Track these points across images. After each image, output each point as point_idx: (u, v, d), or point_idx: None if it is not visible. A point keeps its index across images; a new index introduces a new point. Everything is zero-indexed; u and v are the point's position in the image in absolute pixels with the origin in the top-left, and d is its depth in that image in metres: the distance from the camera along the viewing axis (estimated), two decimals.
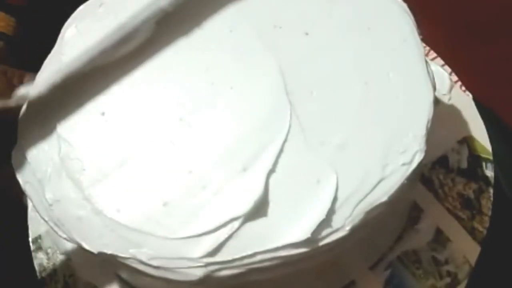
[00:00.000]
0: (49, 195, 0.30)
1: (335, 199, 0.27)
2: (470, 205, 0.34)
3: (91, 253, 0.28)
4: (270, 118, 0.30)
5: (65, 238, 0.29)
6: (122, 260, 0.28)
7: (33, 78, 0.33)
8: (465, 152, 0.36)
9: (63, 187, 0.30)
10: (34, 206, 0.31)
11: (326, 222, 0.27)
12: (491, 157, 0.35)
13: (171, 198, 0.28)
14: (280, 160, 0.29)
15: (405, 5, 0.33)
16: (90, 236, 0.29)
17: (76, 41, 0.34)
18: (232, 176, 0.29)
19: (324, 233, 0.27)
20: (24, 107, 0.32)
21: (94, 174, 0.30)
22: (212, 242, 0.27)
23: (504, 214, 0.36)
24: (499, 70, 0.43)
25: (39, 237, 0.39)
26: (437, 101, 0.37)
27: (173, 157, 0.30)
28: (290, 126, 0.30)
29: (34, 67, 0.34)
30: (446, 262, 0.33)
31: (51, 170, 0.31)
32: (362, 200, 0.27)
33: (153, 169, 0.29)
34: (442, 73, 0.38)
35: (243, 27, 0.33)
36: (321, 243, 0.27)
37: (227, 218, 0.27)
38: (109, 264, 0.31)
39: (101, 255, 0.28)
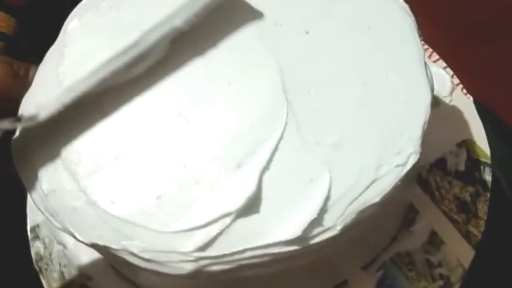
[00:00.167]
0: (45, 185, 0.30)
1: (327, 198, 0.27)
2: (466, 208, 0.34)
3: (85, 243, 0.29)
4: (267, 115, 0.30)
5: (59, 228, 0.30)
6: (114, 252, 0.28)
7: None
8: (463, 155, 0.35)
9: (59, 178, 0.30)
10: (30, 195, 0.31)
11: (317, 221, 0.27)
12: (489, 161, 0.35)
13: (165, 192, 0.29)
14: (275, 158, 0.29)
15: (406, 6, 0.33)
16: (84, 227, 0.29)
17: (79, 34, 0.35)
18: (226, 172, 0.29)
19: (315, 231, 0.27)
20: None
21: (90, 165, 0.30)
22: (204, 237, 0.27)
23: (503, 214, 0.36)
24: (499, 70, 0.42)
25: (37, 226, 0.39)
26: (437, 103, 0.37)
27: (169, 151, 0.30)
28: (286, 124, 0.30)
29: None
30: (440, 264, 0.33)
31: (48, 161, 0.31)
32: (354, 200, 0.27)
33: (149, 163, 0.30)
34: (444, 75, 0.38)
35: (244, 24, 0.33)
36: (312, 242, 0.27)
37: (219, 214, 0.27)
38: (103, 255, 0.31)
39: (94, 246, 0.28)
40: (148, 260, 0.27)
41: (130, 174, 0.29)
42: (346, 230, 0.27)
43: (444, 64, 0.39)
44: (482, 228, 0.33)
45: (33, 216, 0.39)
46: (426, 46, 0.39)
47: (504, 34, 0.42)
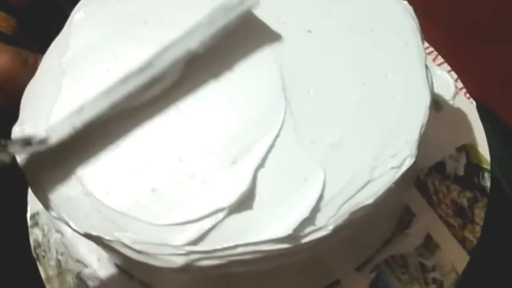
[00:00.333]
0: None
1: (320, 198, 0.27)
2: (463, 213, 0.34)
3: (78, 233, 0.29)
4: (265, 113, 0.30)
5: (54, 217, 0.30)
6: (107, 242, 0.28)
7: None
8: (463, 160, 0.35)
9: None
10: (28, 182, 0.31)
11: (309, 220, 0.27)
12: (489, 167, 0.35)
13: (160, 185, 0.29)
14: (270, 156, 0.29)
15: (410, 8, 0.32)
16: (78, 216, 0.29)
17: (84, 25, 0.35)
18: (221, 168, 0.29)
19: (306, 230, 0.27)
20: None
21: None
22: (195, 231, 0.27)
23: (503, 215, 0.36)
24: (499, 70, 0.42)
25: (37, 213, 0.39)
26: (440, 107, 0.37)
27: (166, 144, 0.30)
28: (283, 122, 0.30)
29: None
30: (433, 269, 0.33)
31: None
32: (347, 200, 0.27)
33: (145, 155, 0.30)
34: (448, 79, 0.38)
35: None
36: (303, 241, 0.27)
37: (212, 209, 0.28)
38: (97, 245, 0.31)
39: (87, 236, 0.29)
40: (139, 252, 0.28)
41: (126, 166, 0.30)
42: (338, 230, 0.27)
43: (449, 68, 0.38)
44: (478, 234, 0.33)
45: (33, 204, 0.40)
46: (431, 49, 0.39)
47: (504, 34, 0.42)
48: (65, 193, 0.30)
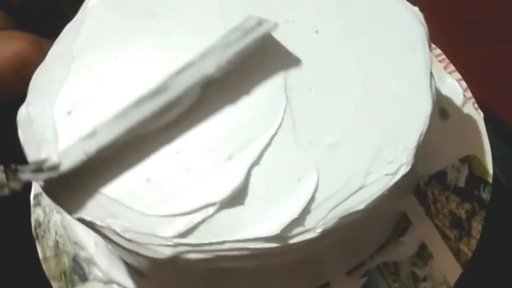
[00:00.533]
0: (43, 157, 0.31)
1: (312, 200, 0.27)
2: (460, 225, 0.34)
3: (72, 217, 0.29)
4: (265, 111, 0.30)
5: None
6: (99, 228, 0.28)
7: None
8: (465, 171, 0.35)
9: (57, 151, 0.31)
10: (29, 163, 0.32)
11: (298, 221, 0.27)
12: (491, 180, 0.34)
13: (155, 176, 0.29)
14: (266, 153, 0.29)
15: (420, 15, 0.32)
16: (74, 201, 0.29)
17: (97, 12, 0.35)
18: (216, 163, 0.29)
19: (294, 231, 0.27)
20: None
21: None
22: (185, 224, 0.27)
23: (503, 216, 0.35)
24: (499, 70, 0.42)
25: (40, 194, 0.40)
26: (446, 115, 0.36)
27: (165, 137, 0.30)
28: (282, 121, 0.30)
29: None
30: (425, 279, 0.32)
31: (49, 134, 0.32)
32: (338, 204, 0.27)
33: (143, 146, 0.30)
34: (457, 88, 0.38)
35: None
36: (291, 241, 0.27)
37: (203, 203, 0.28)
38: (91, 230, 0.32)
39: (81, 220, 0.29)
40: (129, 240, 0.28)
41: (124, 155, 0.30)
42: (326, 233, 0.27)
43: (459, 76, 0.38)
44: (474, 247, 0.33)
45: (37, 184, 0.40)
46: (443, 57, 0.39)
47: (504, 34, 0.41)
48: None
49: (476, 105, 0.37)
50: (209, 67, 0.29)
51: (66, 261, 0.37)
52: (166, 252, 0.27)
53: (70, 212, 0.29)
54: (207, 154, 0.29)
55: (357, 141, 0.29)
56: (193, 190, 0.28)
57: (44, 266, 0.37)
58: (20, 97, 0.33)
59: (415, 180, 0.34)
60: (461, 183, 0.35)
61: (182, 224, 0.27)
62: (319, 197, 0.27)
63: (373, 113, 0.29)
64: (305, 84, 0.31)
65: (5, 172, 0.27)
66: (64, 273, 0.36)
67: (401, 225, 0.34)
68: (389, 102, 0.30)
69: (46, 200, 0.40)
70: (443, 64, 0.38)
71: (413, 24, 0.32)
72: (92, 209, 0.29)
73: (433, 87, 0.30)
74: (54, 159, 0.28)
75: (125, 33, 0.34)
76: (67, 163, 0.28)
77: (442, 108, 0.37)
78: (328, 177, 0.28)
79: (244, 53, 0.30)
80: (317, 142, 0.29)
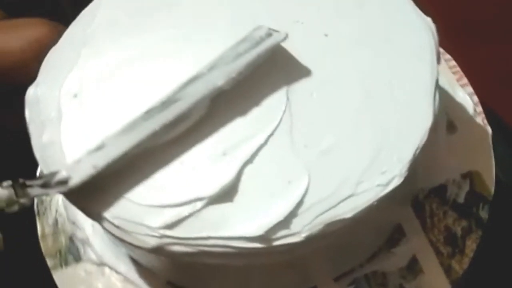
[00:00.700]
0: (45, 137, 0.32)
1: (300, 203, 0.27)
2: (455, 242, 0.33)
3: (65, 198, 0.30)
4: (264, 110, 0.30)
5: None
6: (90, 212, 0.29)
7: None
8: (465, 187, 0.34)
9: (60, 133, 0.31)
10: (32, 143, 0.32)
11: (284, 223, 0.27)
12: (491, 198, 0.34)
13: (148, 165, 0.29)
14: (260, 153, 0.29)
15: (433, 26, 0.31)
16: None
17: None
18: (210, 158, 0.29)
19: (279, 234, 0.27)
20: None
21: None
22: (173, 216, 0.28)
23: (503, 215, 0.35)
24: (499, 70, 0.42)
25: None
26: (454, 128, 0.36)
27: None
28: (280, 122, 0.29)
29: None
30: None
31: (54, 114, 0.32)
32: (326, 211, 0.27)
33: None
34: (468, 102, 0.37)
35: (263, 18, 0.32)
36: (274, 244, 0.27)
37: (192, 197, 0.28)
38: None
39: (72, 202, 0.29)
40: (117, 227, 0.28)
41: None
42: (311, 239, 0.27)
43: (471, 90, 0.37)
44: (466, 266, 0.32)
45: None
46: (457, 69, 0.38)
47: (504, 34, 0.41)
48: (61, 160, 0.30)
49: (485, 121, 0.36)
50: (219, 79, 0.29)
51: (63, 240, 0.37)
52: (151, 242, 0.28)
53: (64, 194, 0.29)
54: (203, 148, 0.29)
55: (352, 148, 0.28)
56: (184, 183, 0.28)
57: (41, 243, 0.38)
58: None
59: (413, 192, 0.34)
60: (461, 199, 0.34)
61: (169, 215, 0.28)
62: (307, 202, 0.27)
63: (371, 121, 0.29)
64: (307, 86, 0.30)
65: (13, 187, 0.27)
66: (60, 252, 0.37)
67: (395, 236, 0.33)
68: (389, 112, 0.29)
69: None
70: (456, 76, 0.38)
71: (424, 34, 0.31)
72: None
73: (437, 100, 0.29)
74: (63, 173, 0.28)
75: (137, 23, 0.34)
76: (77, 177, 0.28)
77: (450, 121, 0.36)
78: (319, 182, 0.28)
79: (253, 64, 0.30)
80: (312, 146, 0.29)
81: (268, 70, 0.31)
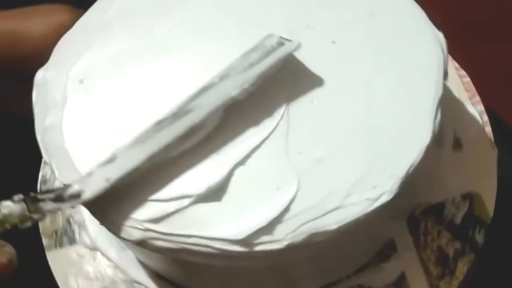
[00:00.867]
0: (48, 120, 0.32)
1: (286, 210, 0.27)
2: (446, 263, 0.32)
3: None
4: (263, 114, 0.30)
5: (45, 162, 0.31)
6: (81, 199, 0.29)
7: None
8: (464, 208, 0.33)
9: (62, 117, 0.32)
10: (35, 125, 0.33)
11: (267, 229, 0.27)
12: (489, 221, 0.33)
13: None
14: (253, 156, 0.29)
15: (443, 42, 0.31)
16: (65, 168, 0.30)
17: None
18: (204, 157, 0.29)
19: (261, 239, 0.26)
20: None
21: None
22: (159, 210, 0.28)
23: (503, 215, 0.34)
24: (499, 70, 0.41)
25: None
26: (460, 146, 0.35)
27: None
28: (276, 126, 0.29)
29: None
30: None
31: (59, 98, 0.33)
32: (311, 220, 0.27)
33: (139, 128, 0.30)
34: (477, 120, 0.36)
35: (274, 20, 0.32)
36: (255, 249, 0.27)
37: (180, 194, 0.28)
38: None
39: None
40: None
41: (119, 136, 0.30)
42: (293, 247, 0.26)
43: (482, 108, 0.36)
44: None
45: None
46: (471, 86, 0.37)
47: (504, 34, 0.40)
48: (61, 143, 0.31)
49: (493, 140, 0.35)
50: (232, 90, 0.29)
51: (60, 221, 0.38)
52: (135, 234, 0.28)
53: (60, 179, 0.30)
54: (197, 147, 0.29)
55: (346, 159, 0.28)
56: (174, 179, 0.28)
57: (39, 222, 0.38)
58: None
59: (410, 208, 0.33)
60: (457, 220, 0.33)
61: (156, 210, 0.28)
62: (294, 209, 0.27)
63: (369, 134, 0.29)
64: (308, 93, 0.30)
65: (25, 201, 0.27)
66: (56, 232, 0.38)
67: (386, 251, 0.33)
68: (388, 126, 0.29)
69: None
70: (469, 94, 0.37)
71: (432, 49, 0.30)
72: (79, 180, 0.29)
73: (438, 119, 0.29)
74: (76, 187, 0.28)
75: (152, 13, 0.34)
76: (90, 191, 0.27)
77: (456, 138, 0.35)
78: (308, 190, 0.27)
79: (266, 74, 0.29)
80: (306, 153, 0.29)
81: (275, 76, 0.30)
